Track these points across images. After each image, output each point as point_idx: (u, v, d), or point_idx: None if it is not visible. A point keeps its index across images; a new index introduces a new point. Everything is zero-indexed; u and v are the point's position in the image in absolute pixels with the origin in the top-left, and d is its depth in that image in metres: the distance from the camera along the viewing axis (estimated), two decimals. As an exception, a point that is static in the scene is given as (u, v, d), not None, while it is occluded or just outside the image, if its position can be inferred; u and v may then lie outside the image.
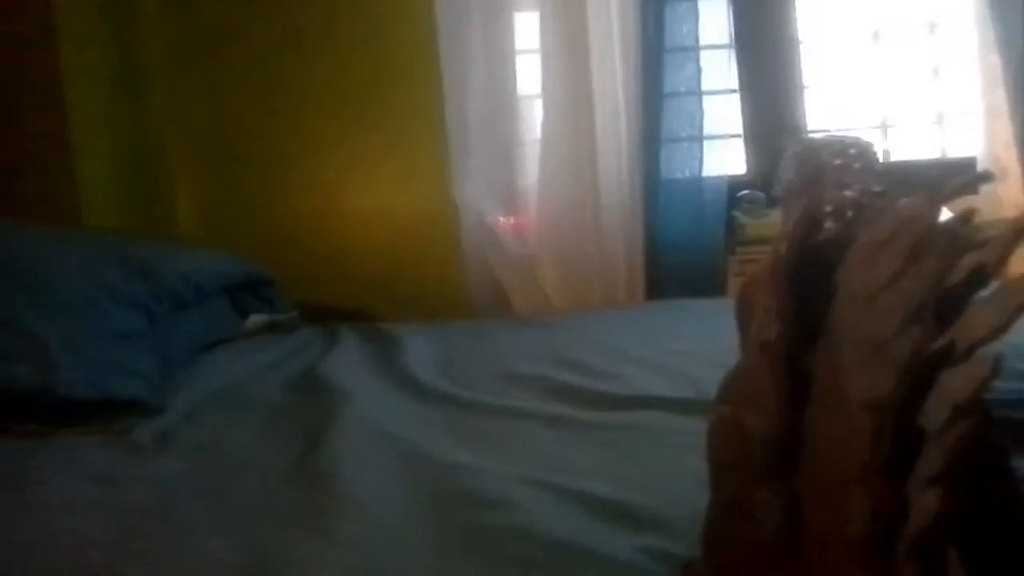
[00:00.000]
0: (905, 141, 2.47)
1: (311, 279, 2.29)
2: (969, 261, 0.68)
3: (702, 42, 2.24)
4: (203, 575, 0.80)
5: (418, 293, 2.34)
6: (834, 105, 2.46)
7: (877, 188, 0.83)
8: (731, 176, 2.31)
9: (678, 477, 0.96)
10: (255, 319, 2.04)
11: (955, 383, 0.61)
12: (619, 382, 1.39)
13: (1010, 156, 2.23)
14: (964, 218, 0.70)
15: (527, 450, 1.10)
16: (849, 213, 0.82)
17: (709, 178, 2.28)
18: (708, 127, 2.25)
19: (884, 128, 2.45)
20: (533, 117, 2.31)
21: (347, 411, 1.26)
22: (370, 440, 1.14)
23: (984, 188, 2.18)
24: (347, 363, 1.58)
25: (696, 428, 1.11)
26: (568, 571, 0.79)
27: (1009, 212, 2.17)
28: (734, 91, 2.29)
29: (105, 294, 1.61)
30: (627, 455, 1.07)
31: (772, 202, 2.22)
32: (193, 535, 0.89)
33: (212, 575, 0.80)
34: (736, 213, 2.31)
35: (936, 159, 2.42)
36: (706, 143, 2.26)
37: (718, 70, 2.27)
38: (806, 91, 2.42)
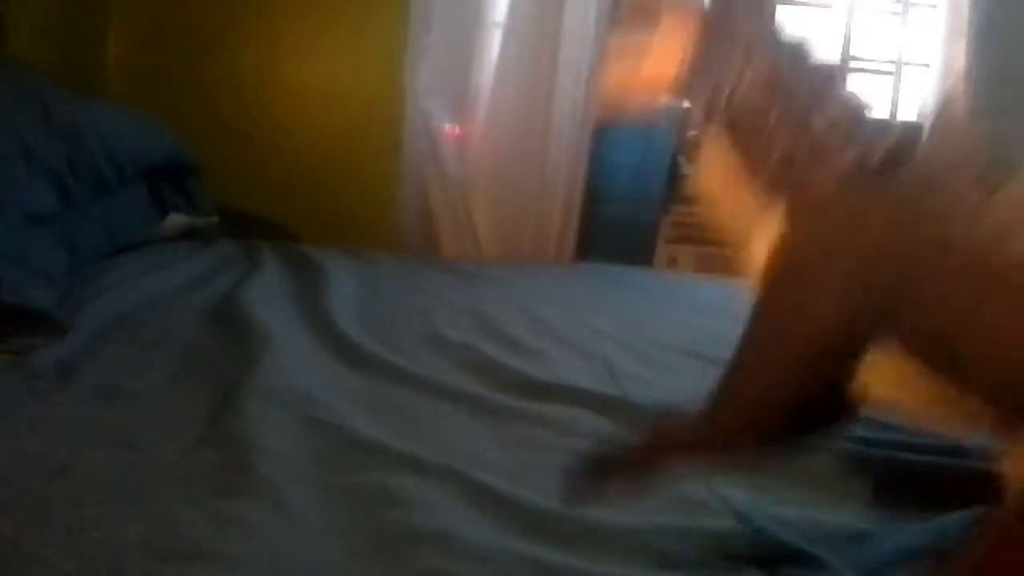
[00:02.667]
0: (861, 86, 2.49)
1: (236, 166, 2.22)
2: None
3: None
4: (113, 553, 0.76)
5: (347, 207, 2.30)
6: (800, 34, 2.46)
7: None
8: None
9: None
10: (173, 219, 1.97)
11: None
12: (542, 364, 1.39)
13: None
14: None
15: (448, 438, 1.08)
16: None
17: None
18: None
19: (843, 67, 2.46)
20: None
21: (265, 362, 1.22)
22: (287, 405, 1.11)
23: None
24: (267, 296, 1.53)
25: (615, 433, 1.15)
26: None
27: None
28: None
29: (21, 154, 1.50)
30: (547, 459, 1.06)
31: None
32: (95, 499, 0.85)
33: (120, 557, 0.76)
34: (680, 158, 2.28)
35: (883, 121, 2.44)
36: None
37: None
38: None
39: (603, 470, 0.88)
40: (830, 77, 0.85)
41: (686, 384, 1.31)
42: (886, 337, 0.74)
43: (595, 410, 1.21)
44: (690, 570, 0.85)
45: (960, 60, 2.22)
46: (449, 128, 2.30)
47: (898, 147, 0.80)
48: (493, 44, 2.25)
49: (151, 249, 1.76)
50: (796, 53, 0.85)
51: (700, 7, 0.87)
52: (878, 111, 2.37)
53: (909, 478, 1.03)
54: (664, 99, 0.88)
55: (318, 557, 0.81)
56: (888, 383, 0.75)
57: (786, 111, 0.80)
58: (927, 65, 2.35)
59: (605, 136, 2.29)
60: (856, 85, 0.91)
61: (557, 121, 2.24)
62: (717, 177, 0.84)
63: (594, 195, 2.32)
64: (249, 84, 2.36)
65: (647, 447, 0.86)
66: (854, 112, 0.83)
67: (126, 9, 2.35)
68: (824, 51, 0.87)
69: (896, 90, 2.48)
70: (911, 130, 0.89)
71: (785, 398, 0.76)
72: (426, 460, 1.00)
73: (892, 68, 2.48)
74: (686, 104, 0.86)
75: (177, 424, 1.03)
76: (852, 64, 2.48)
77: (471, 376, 1.30)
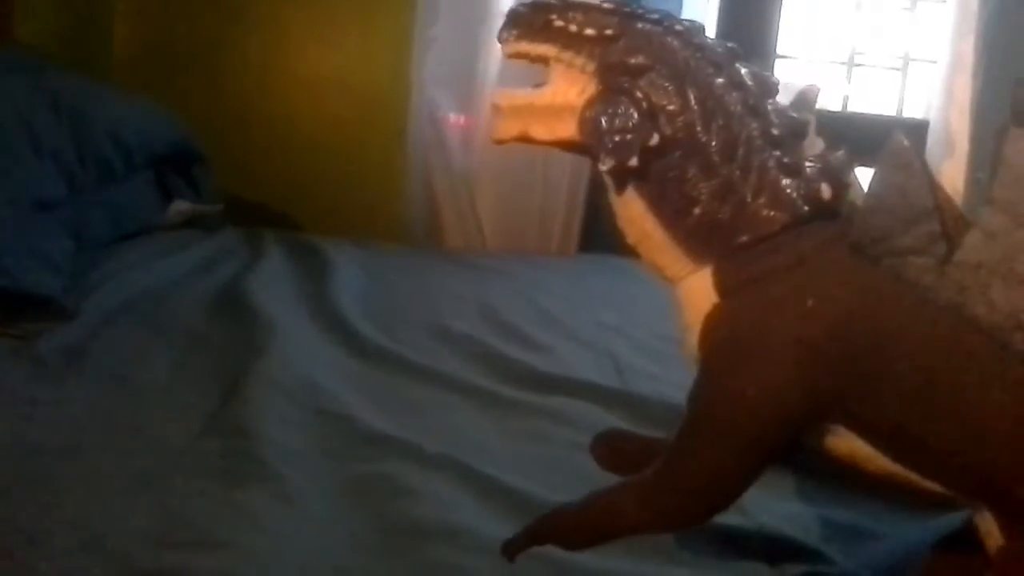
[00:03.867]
0: (868, 82, 2.49)
1: (240, 154, 2.22)
2: None
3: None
4: (117, 543, 0.76)
5: (351, 197, 2.30)
6: (806, 33, 2.45)
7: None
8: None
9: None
10: (178, 206, 1.97)
11: None
12: (548, 356, 1.39)
13: (963, 126, 2.23)
14: None
15: (454, 430, 1.08)
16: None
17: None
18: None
19: (850, 64, 2.46)
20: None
21: (270, 351, 1.22)
22: (293, 395, 1.11)
23: (930, 162, 2.21)
24: (272, 285, 1.53)
25: (621, 428, 1.15)
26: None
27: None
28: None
29: (28, 142, 1.50)
30: (553, 453, 1.06)
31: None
32: (102, 487, 0.85)
33: (126, 544, 0.76)
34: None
35: (887, 118, 2.44)
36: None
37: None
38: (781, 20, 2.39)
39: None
40: (764, 84, 0.71)
41: (690, 377, 1.32)
42: (839, 419, 0.66)
43: (601, 404, 1.21)
44: (696, 566, 0.85)
45: (968, 57, 2.22)
46: (455, 118, 2.29)
47: (847, 183, 0.70)
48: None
49: (156, 236, 1.76)
50: (719, 59, 0.70)
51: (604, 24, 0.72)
52: (880, 109, 2.42)
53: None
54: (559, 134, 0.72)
55: (324, 547, 0.81)
56: (844, 453, 0.68)
57: (714, 148, 0.68)
58: (934, 62, 2.34)
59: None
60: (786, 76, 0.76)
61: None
62: (634, 232, 0.71)
63: (599, 186, 2.31)
64: (255, 73, 2.35)
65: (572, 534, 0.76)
66: (793, 131, 0.70)
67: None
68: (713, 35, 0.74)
69: (903, 87, 2.48)
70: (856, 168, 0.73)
71: (739, 480, 0.68)
72: (432, 452, 1.00)
73: (899, 64, 2.48)
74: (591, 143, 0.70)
75: (183, 412, 1.03)
76: (858, 60, 2.48)
77: (476, 368, 1.30)
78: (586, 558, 0.82)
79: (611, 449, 0.84)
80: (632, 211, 0.70)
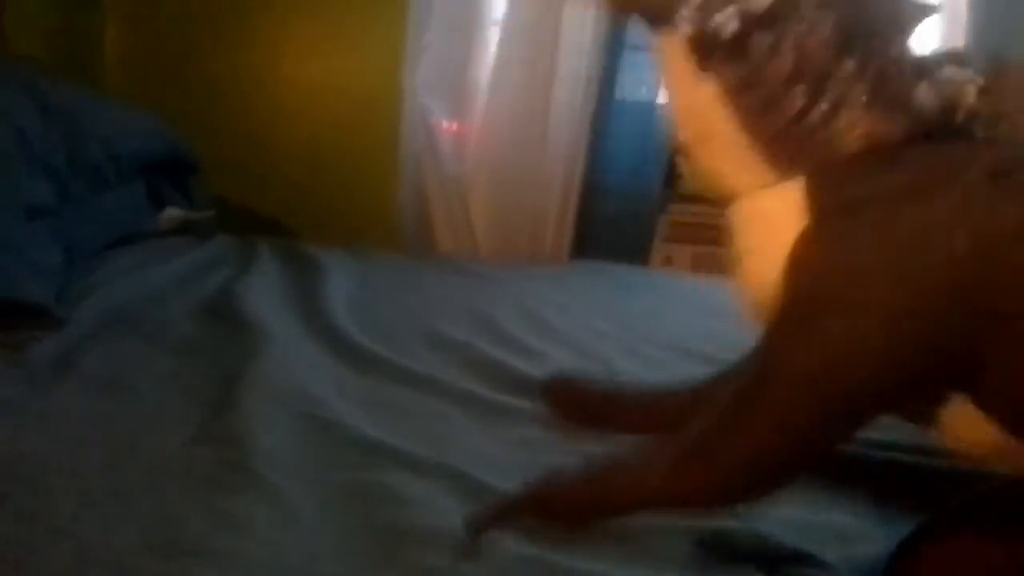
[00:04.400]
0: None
1: (233, 161, 2.22)
2: None
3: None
4: (109, 551, 0.76)
5: (344, 203, 2.30)
6: None
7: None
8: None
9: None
10: (170, 213, 1.96)
11: None
12: (541, 363, 1.38)
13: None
14: None
15: (447, 437, 1.08)
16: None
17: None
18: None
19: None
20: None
21: (263, 359, 1.21)
22: (285, 402, 1.10)
23: None
24: (264, 293, 1.53)
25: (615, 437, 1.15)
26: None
27: None
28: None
29: (19, 149, 1.50)
30: (546, 460, 1.05)
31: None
32: (96, 497, 0.84)
33: (118, 553, 0.76)
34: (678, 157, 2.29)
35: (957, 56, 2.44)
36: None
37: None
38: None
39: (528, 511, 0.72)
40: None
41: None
42: (956, 392, 0.54)
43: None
44: (690, 570, 0.85)
45: (961, 11, 2.23)
46: (447, 125, 2.29)
47: (990, 100, 0.55)
48: (492, 42, 2.25)
49: (147, 244, 1.76)
50: None
51: None
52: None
53: (909, 478, 1.03)
54: None
55: (316, 554, 0.81)
56: (954, 430, 0.56)
57: (829, 29, 0.53)
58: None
59: (603, 134, 2.29)
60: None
61: (555, 119, 2.24)
62: (696, 126, 0.57)
63: (591, 193, 2.31)
64: (247, 80, 2.35)
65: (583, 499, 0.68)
66: (923, 23, 0.57)
67: (123, 4, 2.34)
68: None
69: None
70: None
71: (805, 455, 0.56)
72: (425, 459, 1.00)
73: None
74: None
75: (175, 420, 1.02)
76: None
77: (469, 374, 1.29)
78: (580, 563, 0.82)
79: (566, 395, 0.74)
80: (701, 97, 0.56)
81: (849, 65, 0.53)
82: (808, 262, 0.54)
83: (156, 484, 0.88)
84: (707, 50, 0.54)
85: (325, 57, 2.37)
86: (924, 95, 0.54)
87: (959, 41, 2.22)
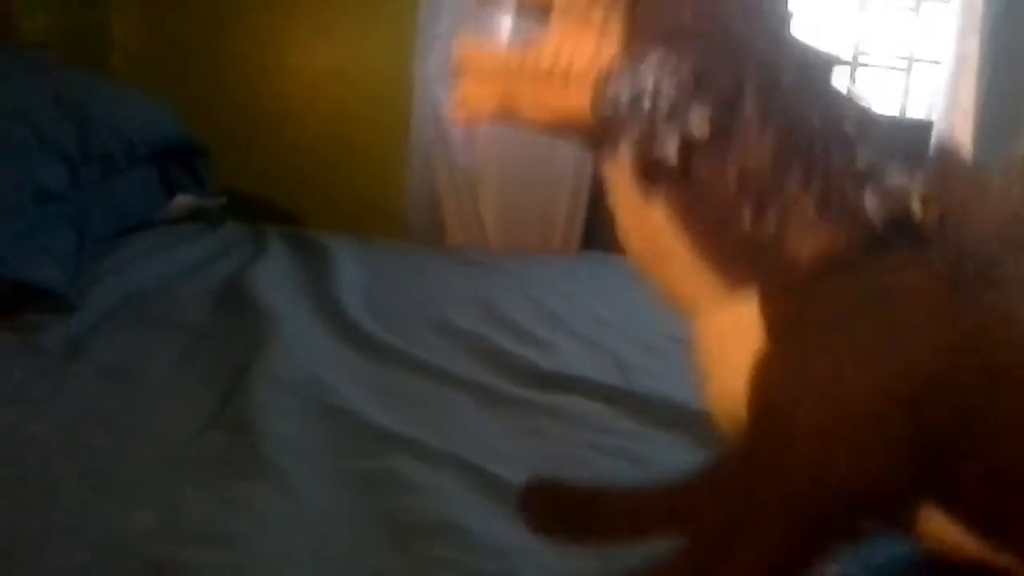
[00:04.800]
0: (871, 81, 2.48)
1: (242, 149, 2.22)
2: None
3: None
4: (120, 538, 0.76)
5: (353, 193, 2.30)
6: (809, 32, 2.45)
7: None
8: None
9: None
10: (181, 200, 1.96)
11: None
12: (550, 354, 1.39)
13: (966, 127, 2.22)
14: None
15: (457, 427, 1.08)
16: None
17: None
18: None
19: (854, 63, 2.45)
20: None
21: (273, 346, 1.21)
22: (297, 390, 1.10)
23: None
24: (274, 280, 1.53)
25: (624, 427, 1.15)
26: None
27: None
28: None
29: (31, 135, 1.50)
30: (556, 451, 1.06)
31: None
32: (107, 483, 0.85)
33: (129, 539, 0.76)
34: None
35: (892, 118, 2.43)
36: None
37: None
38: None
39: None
40: (828, 61, 0.55)
41: (692, 376, 1.32)
42: (928, 501, 0.52)
43: (604, 402, 1.21)
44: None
45: (973, 57, 2.21)
46: (457, 116, 2.29)
47: (946, 193, 0.53)
48: (503, 32, 2.24)
49: (158, 230, 1.76)
50: (803, 60, 0.54)
51: None
52: (883, 110, 2.41)
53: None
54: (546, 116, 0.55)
55: (327, 542, 0.81)
56: (934, 534, 0.54)
57: (773, 143, 0.52)
58: (938, 62, 2.34)
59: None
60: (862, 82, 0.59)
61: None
62: (649, 246, 0.56)
63: (601, 185, 2.30)
64: (257, 68, 2.35)
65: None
66: (868, 125, 0.55)
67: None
68: (831, 46, 0.59)
69: (906, 88, 2.47)
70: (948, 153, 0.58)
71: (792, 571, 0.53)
72: (435, 448, 1.00)
73: (903, 65, 2.47)
74: (602, 127, 0.53)
75: (185, 406, 1.03)
76: (861, 60, 2.47)
77: (479, 365, 1.29)
78: (589, 561, 0.81)
79: (546, 502, 0.73)
80: (652, 220, 0.55)
81: (793, 180, 0.52)
82: (768, 387, 0.53)
83: (168, 470, 0.88)
84: (652, 176, 0.54)
85: (335, 46, 2.37)
86: (871, 203, 0.52)
87: (974, 36, 2.20)
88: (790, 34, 0.54)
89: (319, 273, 1.61)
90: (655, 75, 0.50)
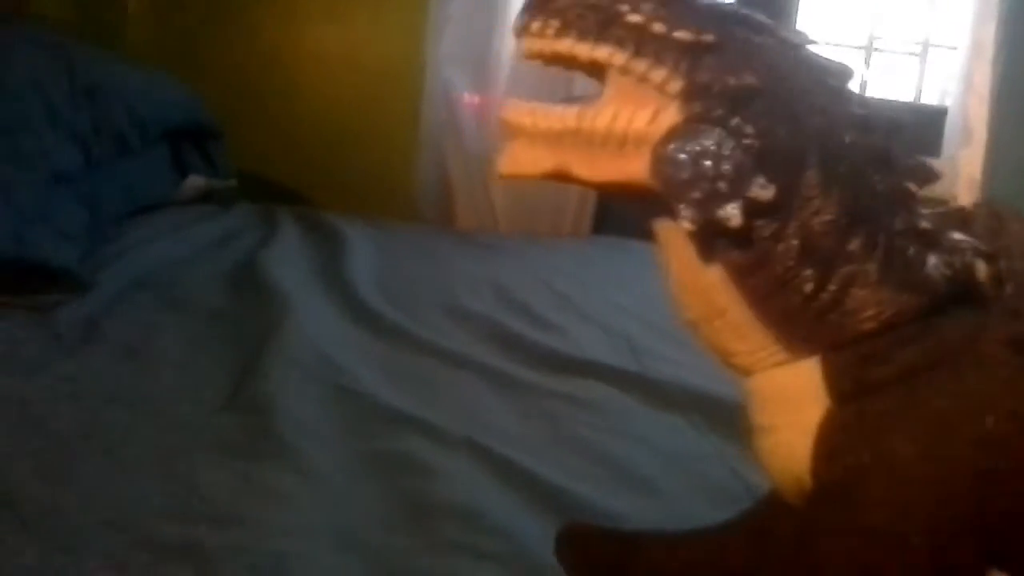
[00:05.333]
0: (886, 68, 2.47)
1: (254, 130, 2.22)
2: None
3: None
4: (135, 517, 0.76)
5: (364, 175, 2.30)
6: (824, 17, 2.44)
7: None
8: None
9: (617, 473, 0.97)
10: (193, 181, 1.96)
11: None
12: (564, 338, 1.39)
13: (981, 114, 2.21)
14: None
15: (470, 410, 1.08)
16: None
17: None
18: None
19: (869, 48, 2.43)
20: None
21: (287, 327, 1.21)
22: (310, 370, 1.10)
23: (948, 150, 2.19)
24: (287, 261, 1.53)
25: (637, 411, 1.15)
26: (512, 564, 0.77)
27: (963, 186, 2.17)
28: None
29: (45, 114, 1.50)
30: (570, 435, 1.06)
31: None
32: (120, 461, 0.85)
33: (144, 519, 0.76)
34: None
35: (907, 104, 2.41)
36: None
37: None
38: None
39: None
40: (890, 121, 0.54)
41: (707, 361, 1.31)
42: (997, 570, 0.52)
43: (618, 386, 1.21)
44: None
45: (989, 43, 2.20)
46: (469, 98, 2.28)
47: (1001, 251, 0.53)
48: (515, 13, 2.23)
49: (170, 211, 1.76)
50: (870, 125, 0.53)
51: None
52: (898, 95, 2.39)
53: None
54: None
55: (342, 523, 0.81)
56: None
57: (836, 207, 0.51)
58: (954, 48, 2.32)
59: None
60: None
61: (578, 92, 2.21)
62: (701, 306, 0.55)
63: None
64: (269, 49, 2.34)
65: None
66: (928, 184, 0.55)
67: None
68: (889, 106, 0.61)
69: (922, 73, 2.46)
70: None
71: None
72: (449, 431, 1.00)
73: (918, 50, 2.46)
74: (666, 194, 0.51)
75: (201, 387, 1.03)
76: (876, 45, 2.46)
77: (492, 348, 1.29)
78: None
79: (581, 554, 0.72)
80: (706, 280, 0.53)
81: (856, 243, 0.52)
82: (837, 454, 0.52)
83: (183, 450, 0.88)
84: (712, 239, 0.52)
85: (347, 28, 2.36)
86: (934, 267, 0.52)
87: (990, 21, 2.18)
88: (851, 92, 0.54)
89: (331, 254, 1.61)
90: (718, 137, 0.50)
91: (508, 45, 2.23)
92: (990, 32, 2.19)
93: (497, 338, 1.34)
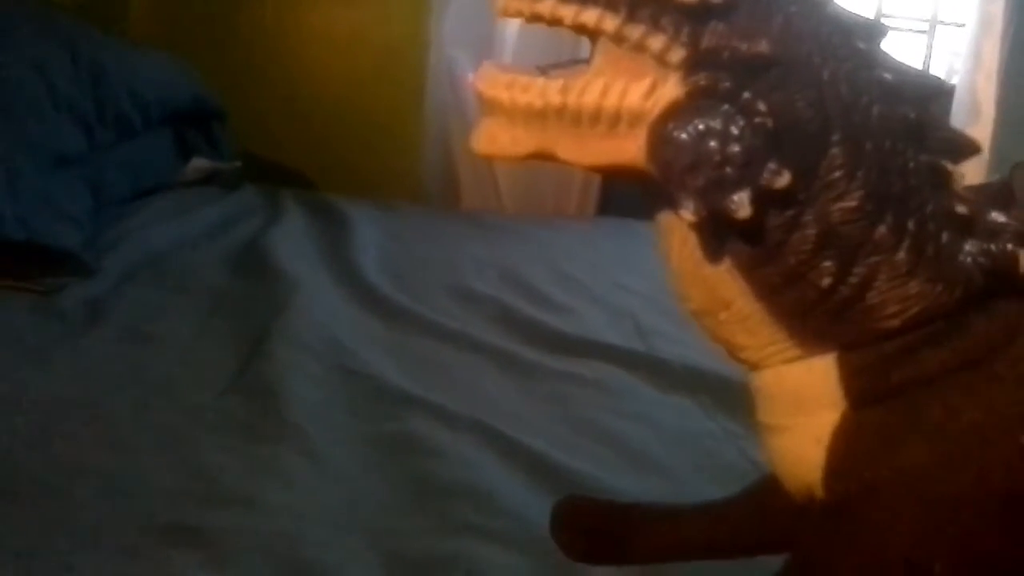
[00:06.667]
0: (892, 45, 2.45)
1: (257, 112, 2.21)
2: None
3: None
4: (142, 500, 0.76)
5: (368, 156, 2.29)
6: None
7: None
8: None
9: (624, 453, 0.97)
10: (196, 163, 1.96)
11: None
12: (570, 318, 1.38)
13: (989, 90, 2.19)
14: None
15: (477, 392, 1.08)
16: None
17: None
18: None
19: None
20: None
21: (292, 309, 1.21)
22: (317, 353, 1.10)
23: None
24: (292, 243, 1.52)
25: (644, 391, 1.14)
26: (520, 544, 0.77)
27: (970, 164, 2.15)
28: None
29: (48, 96, 1.49)
30: (577, 416, 1.06)
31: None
32: (127, 442, 0.85)
33: (151, 500, 0.76)
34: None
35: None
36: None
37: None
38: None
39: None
40: (926, 88, 0.47)
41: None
42: None
43: (624, 367, 1.21)
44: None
45: (997, 20, 2.18)
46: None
47: None
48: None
49: (174, 193, 1.75)
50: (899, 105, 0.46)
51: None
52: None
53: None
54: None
55: (348, 504, 0.81)
56: None
57: (860, 191, 0.45)
58: (962, 25, 2.30)
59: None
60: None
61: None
62: (706, 299, 0.50)
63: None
64: (272, 30, 2.33)
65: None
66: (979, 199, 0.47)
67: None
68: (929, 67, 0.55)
69: (929, 50, 2.44)
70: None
71: None
72: (457, 413, 1.00)
73: (925, 27, 2.44)
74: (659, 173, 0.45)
75: (207, 369, 1.03)
76: (884, 22, 2.44)
77: (498, 329, 1.29)
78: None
79: (579, 522, 0.70)
80: (710, 271, 0.48)
81: (882, 231, 0.45)
82: (851, 465, 0.46)
83: (190, 432, 0.88)
84: (719, 230, 0.46)
85: (350, 8, 2.35)
86: (969, 256, 0.46)
87: (998, 3, 2.16)
88: (881, 55, 0.47)
89: (336, 237, 1.61)
90: (725, 115, 0.43)
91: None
92: (999, 8, 2.17)
93: (503, 319, 1.33)
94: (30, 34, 1.57)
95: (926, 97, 0.47)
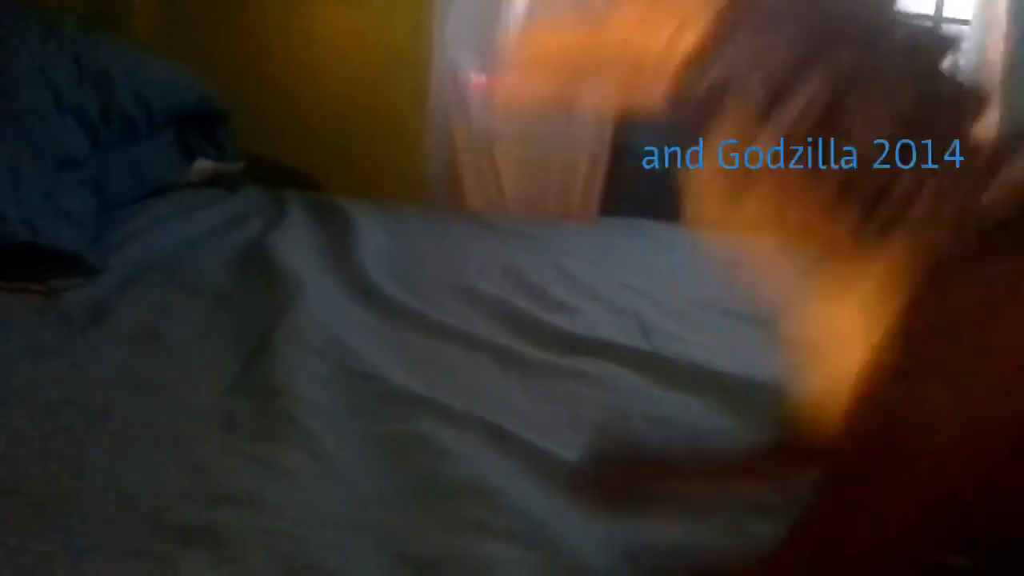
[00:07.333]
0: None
1: (261, 113, 2.21)
2: None
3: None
4: (148, 499, 0.76)
5: (372, 157, 2.29)
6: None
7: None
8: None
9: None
10: (200, 165, 1.96)
11: None
12: (574, 318, 1.38)
13: (991, 85, 2.18)
14: None
15: (482, 391, 1.08)
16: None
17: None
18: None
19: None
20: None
21: (297, 310, 1.21)
22: (322, 353, 1.10)
23: None
24: (296, 244, 1.53)
25: (649, 390, 1.14)
26: (526, 542, 0.77)
27: None
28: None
29: (52, 99, 1.50)
30: (582, 414, 1.06)
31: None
32: (133, 444, 0.85)
33: (157, 501, 0.76)
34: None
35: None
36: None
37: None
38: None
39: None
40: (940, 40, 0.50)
41: (717, 340, 1.31)
42: None
43: (629, 366, 1.20)
44: (721, 525, 0.84)
45: (1000, 16, 2.17)
46: (476, 79, 2.27)
47: None
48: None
49: (178, 195, 1.76)
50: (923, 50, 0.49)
51: None
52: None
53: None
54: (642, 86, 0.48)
55: (353, 503, 0.81)
56: None
57: (898, 142, 0.46)
58: (966, 21, 2.30)
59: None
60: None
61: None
62: (755, 219, 0.51)
63: (621, 149, 2.29)
64: (276, 32, 2.33)
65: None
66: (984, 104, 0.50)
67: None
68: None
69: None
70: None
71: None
72: (461, 412, 1.00)
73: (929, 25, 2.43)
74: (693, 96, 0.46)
75: (212, 370, 1.03)
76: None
77: (503, 328, 1.29)
78: (616, 524, 0.82)
79: (611, 465, 0.71)
80: (743, 215, 0.50)
81: (908, 173, 0.46)
82: (899, 397, 0.45)
83: (195, 432, 0.88)
84: (743, 174, 0.47)
85: (354, 9, 2.35)
86: (994, 194, 0.46)
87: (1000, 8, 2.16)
88: (897, 13, 0.48)
89: (340, 237, 1.61)
90: (749, 63, 0.43)
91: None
92: (1003, 5, 2.17)
93: (508, 318, 1.33)
94: (35, 39, 1.57)
95: (941, 50, 0.49)
